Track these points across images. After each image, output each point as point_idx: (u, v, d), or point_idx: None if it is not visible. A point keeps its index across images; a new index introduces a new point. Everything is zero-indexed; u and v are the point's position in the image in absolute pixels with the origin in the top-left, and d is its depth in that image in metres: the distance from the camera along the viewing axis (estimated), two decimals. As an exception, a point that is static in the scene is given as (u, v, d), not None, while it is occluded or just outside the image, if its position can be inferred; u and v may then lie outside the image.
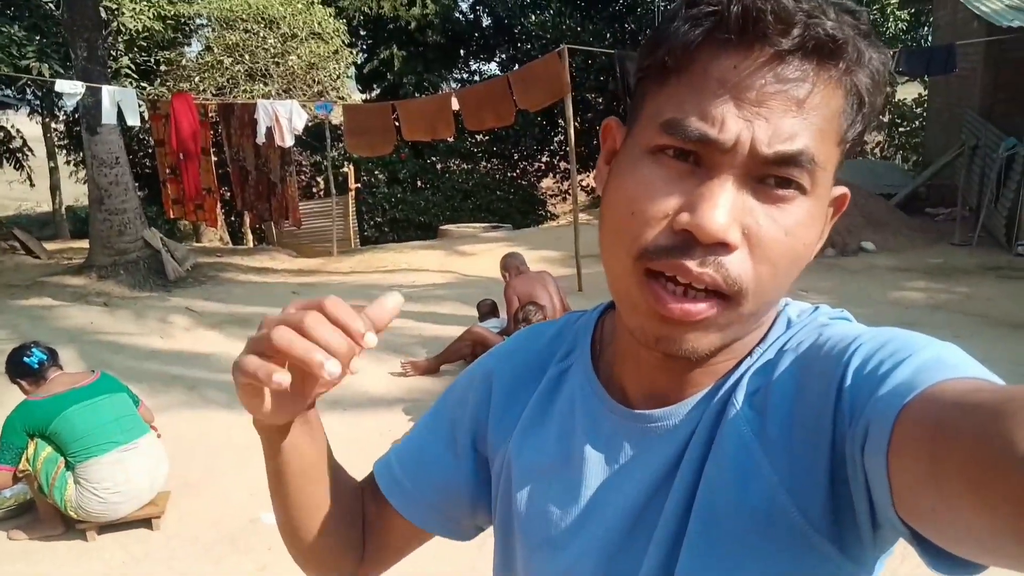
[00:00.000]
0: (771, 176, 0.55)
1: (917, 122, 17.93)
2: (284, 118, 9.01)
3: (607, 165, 0.65)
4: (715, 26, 0.54)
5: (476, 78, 21.14)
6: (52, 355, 3.69)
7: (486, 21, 21.12)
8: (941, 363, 0.50)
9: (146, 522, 3.68)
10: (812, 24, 0.53)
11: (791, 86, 0.54)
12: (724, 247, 0.55)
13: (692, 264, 0.55)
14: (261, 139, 9.26)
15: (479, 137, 19.52)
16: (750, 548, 0.58)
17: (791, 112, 0.54)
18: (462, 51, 21.16)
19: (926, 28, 17.68)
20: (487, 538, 0.83)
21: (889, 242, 9.84)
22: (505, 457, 0.76)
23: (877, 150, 19.20)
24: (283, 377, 0.57)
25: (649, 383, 0.68)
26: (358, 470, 0.87)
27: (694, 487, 0.61)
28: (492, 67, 21.85)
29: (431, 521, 0.82)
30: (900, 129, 18.77)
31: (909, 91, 18.63)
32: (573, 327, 0.79)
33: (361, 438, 4.55)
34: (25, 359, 3.58)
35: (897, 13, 17.36)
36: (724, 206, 0.54)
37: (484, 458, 0.80)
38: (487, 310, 6.36)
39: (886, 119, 18.60)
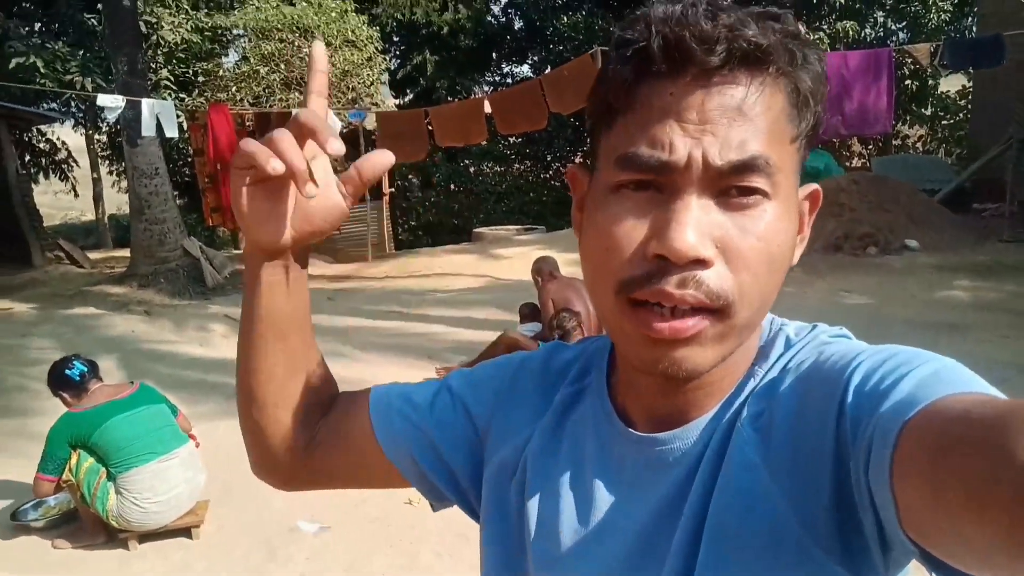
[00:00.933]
0: (732, 187, 0.56)
1: (961, 115, 17.47)
2: (318, 126, 9.11)
3: (580, 212, 0.67)
4: (645, 60, 0.56)
5: (509, 81, 21.17)
6: (92, 367, 3.75)
7: (518, 24, 21.15)
8: (942, 378, 0.50)
9: (186, 531, 3.72)
10: (734, 37, 0.54)
11: (728, 98, 0.55)
12: (700, 264, 0.55)
13: (671, 288, 0.56)
14: (296, 147, 9.37)
15: (512, 140, 19.51)
16: (762, 574, 0.58)
17: (735, 122, 0.55)
18: (494, 54, 21.21)
19: (970, 19, 17.21)
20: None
21: (934, 240, 9.58)
22: (518, 471, 0.76)
23: (919, 144, 18.78)
24: (278, 162, 0.60)
25: (651, 408, 0.68)
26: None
27: (704, 512, 0.61)
28: (524, 69, 21.86)
29: (404, 463, 0.80)
30: (943, 122, 18.31)
31: (952, 84, 18.17)
32: (590, 350, 0.80)
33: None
34: (67, 372, 3.64)
35: (939, 4, 16.93)
36: (690, 224, 0.55)
37: (480, 459, 0.80)
38: (528, 313, 6.32)
39: (928, 112, 18.19)
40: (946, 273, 8.31)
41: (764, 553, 0.57)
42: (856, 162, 17.17)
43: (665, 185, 0.57)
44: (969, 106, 16.35)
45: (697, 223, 0.55)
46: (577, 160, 20.47)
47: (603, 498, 0.69)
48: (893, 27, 18.15)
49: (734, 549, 0.59)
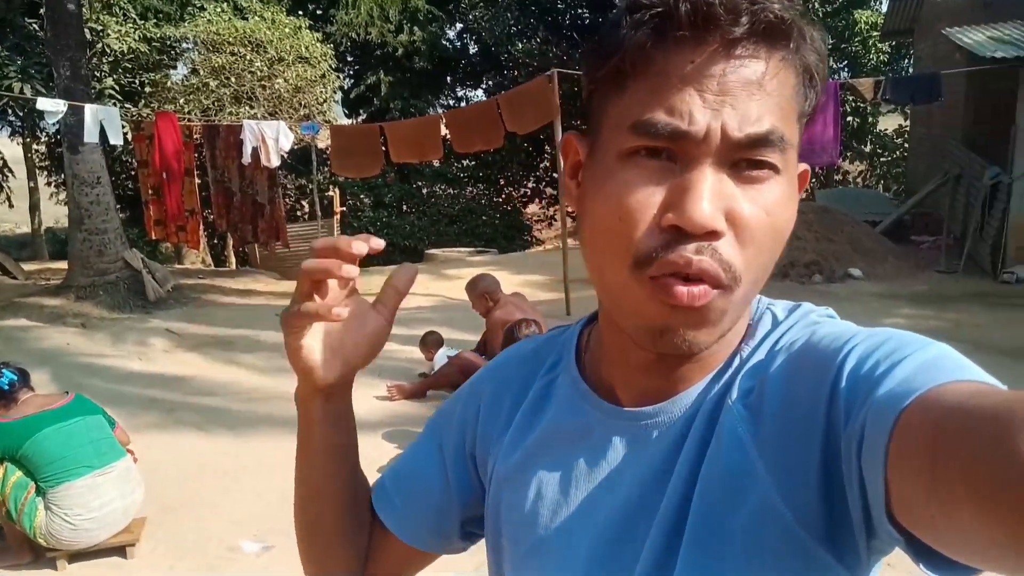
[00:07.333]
0: (744, 160, 0.56)
1: (898, 152, 18.18)
2: (270, 138, 8.92)
3: (573, 180, 0.67)
4: (666, 25, 0.55)
5: (463, 104, 21.22)
6: (23, 376, 3.56)
7: (473, 48, 21.29)
8: (939, 365, 0.50)
9: (120, 550, 3.54)
10: (759, 9, 0.55)
11: (749, 70, 0.56)
12: (713, 235, 0.56)
13: (689, 254, 0.56)
14: (247, 159, 9.15)
15: (465, 162, 19.54)
16: (746, 553, 0.57)
17: (754, 96, 0.55)
18: (449, 77, 21.28)
19: (907, 60, 17.99)
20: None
21: (876, 269, 9.86)
22: (495, 468, 0.76)
23: (860, 179, 19.45)
24: (352, 269, 0.65)
25: (639, 383, 0.67)
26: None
27: (690, 489, 0.61)
28: (479, 93, 21.99)
29: (421, 538, 0.82)
30: (882, 159, 19.02)
31: (890, 122, 18.92)
32: (557, 340, 0.79)
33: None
34: (-5, 380, 3.44)
35: (879, 45, 17.65)
36: (707, 196, 0.55)
37: (477, 473, 0.80)
38: (433, 341, 6.13)
39: (868, 149, 18.88)
40: (888, 301, 8.54)
41: (750, 532, 0.57)
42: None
43: (679, 154, 0.57)
44: (906, 144, 17.00)
45: (712, 195, 0.55)
46: (529, 185, 20.61)
47: (583, 477, 0.68)
48: (835, 65, 18.84)
49: (720, 527, 0.58)
